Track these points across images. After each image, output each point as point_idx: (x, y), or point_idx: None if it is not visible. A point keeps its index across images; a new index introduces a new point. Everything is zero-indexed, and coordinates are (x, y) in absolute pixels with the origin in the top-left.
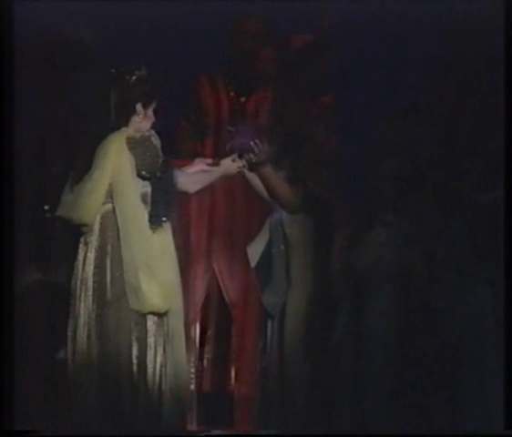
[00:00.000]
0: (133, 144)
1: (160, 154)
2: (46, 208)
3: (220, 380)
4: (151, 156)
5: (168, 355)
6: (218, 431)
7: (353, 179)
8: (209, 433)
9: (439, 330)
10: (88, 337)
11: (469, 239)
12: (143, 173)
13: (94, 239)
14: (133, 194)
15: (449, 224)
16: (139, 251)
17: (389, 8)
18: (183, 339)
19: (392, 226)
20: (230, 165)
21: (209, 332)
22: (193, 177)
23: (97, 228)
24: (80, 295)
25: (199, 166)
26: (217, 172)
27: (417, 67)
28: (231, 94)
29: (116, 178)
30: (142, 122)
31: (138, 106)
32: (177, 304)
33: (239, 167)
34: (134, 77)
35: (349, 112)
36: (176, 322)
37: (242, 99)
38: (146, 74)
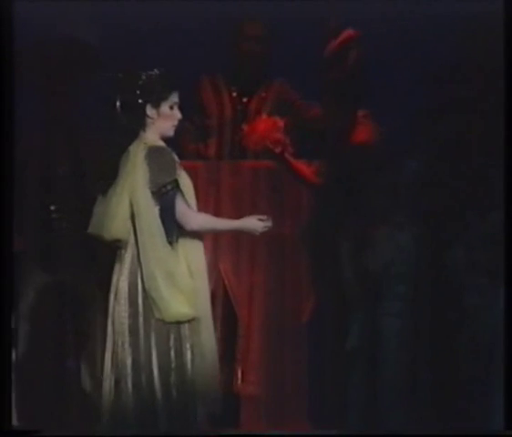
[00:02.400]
0: (146, 155)
1: (171, 171)
2: (52, 208)
3: (226, 379)
4: (157, 170)
5: (196, 361)
6: (223, 431)
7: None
8: (212, 433)
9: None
10: (122, 347)
11: (486, 242)
12: (149, 186)
13: (127, 253)
14: (148, 206)
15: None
16: (157, 262)
17: (388, 8)
18: (215, 346)
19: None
20: (254, 223)
21: (216, 332)
22: (197, 215)
23: (131, 241)
24: (114, 308)
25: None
26: (234, 224)
27: (419, 69)
28: (234, 94)
29: (132, 191)
30: (158, 122)
31: (148, 108)
32: (204, 311)
33: (265, 227)
34: (141, 81)
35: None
36: (205, 328)
37: (245, 100)
38: (152, 75)
